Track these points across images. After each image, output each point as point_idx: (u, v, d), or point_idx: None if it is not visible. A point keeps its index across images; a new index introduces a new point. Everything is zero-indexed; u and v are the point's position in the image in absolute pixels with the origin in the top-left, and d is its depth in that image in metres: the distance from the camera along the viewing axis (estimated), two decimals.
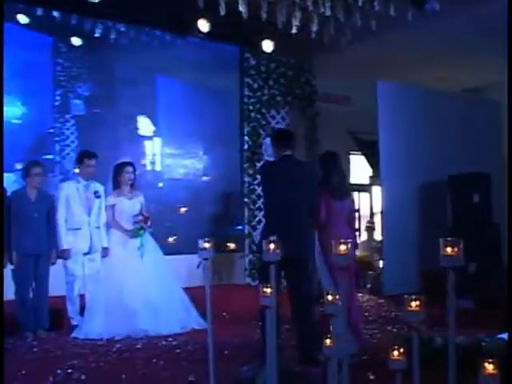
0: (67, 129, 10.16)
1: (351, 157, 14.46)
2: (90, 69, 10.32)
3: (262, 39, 10.88)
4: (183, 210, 10.98)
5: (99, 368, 5.73)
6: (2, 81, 8.09)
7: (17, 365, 5.81)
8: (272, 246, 3.66)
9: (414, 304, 3.05)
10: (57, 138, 10.08)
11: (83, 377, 5.37)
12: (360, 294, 10.36)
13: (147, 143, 11.07)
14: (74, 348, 6.64)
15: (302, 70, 12.01)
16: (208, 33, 10.05)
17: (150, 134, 11.08)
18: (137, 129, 10.95)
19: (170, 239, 9.67)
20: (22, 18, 9.43)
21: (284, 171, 6.06)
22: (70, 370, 5.53)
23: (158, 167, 11.13)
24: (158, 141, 11.14)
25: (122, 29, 10.13)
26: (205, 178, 11.53)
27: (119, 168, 7.85)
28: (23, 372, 5.54)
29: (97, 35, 9.86)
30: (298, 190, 5.98)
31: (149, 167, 11.02)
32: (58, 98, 10.10)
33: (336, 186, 6.23)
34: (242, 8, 8.07)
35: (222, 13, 8.04)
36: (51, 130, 10.15)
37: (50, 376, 5.33)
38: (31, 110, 9.82)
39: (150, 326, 7.22)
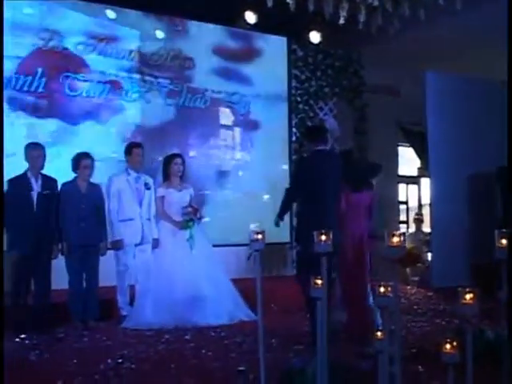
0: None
1: (399, 148, 14.29)
2: (172, 59, 10.43)
3: (310, 30, 10.90)
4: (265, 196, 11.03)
5: (149, 358, 5.78)
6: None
7: (68, 354, 5.92)
8: (323, 237, 3.66)
9: (468, 297, 3.01)
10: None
11: (133, 366, 5.42)
12: (408, 287, 10.32)
13: (229, 133, 11.10)
14: (124, 338, 6.71)
15: (349, 61, 11.95)
16: (255, 24, 10.11)
17: (230, 123, 11.08)
18: (219, 118, 10.99)
19: (252, 225, 9.76)
20: (110, 13, 9.78)
21: (317, 166, 6.29)
22: (120, 360, 5.58)
23: (237, 156, 11.15)
24: (238, 130, 11.16)
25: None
26: (284, 167, 11.47)
27: (168, 160, 7.90)
28: (74, 361, 5.62)
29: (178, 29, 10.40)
30: (330, 184, 6.23)
31: (228, 156, 11.04)
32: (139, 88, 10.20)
33: (354, 181, 6.63)
34: None
35: (270, 4, 8.06)
36: None
37: (101, 365, 5.40)
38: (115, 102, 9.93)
39: (198, 317, 7.25)
